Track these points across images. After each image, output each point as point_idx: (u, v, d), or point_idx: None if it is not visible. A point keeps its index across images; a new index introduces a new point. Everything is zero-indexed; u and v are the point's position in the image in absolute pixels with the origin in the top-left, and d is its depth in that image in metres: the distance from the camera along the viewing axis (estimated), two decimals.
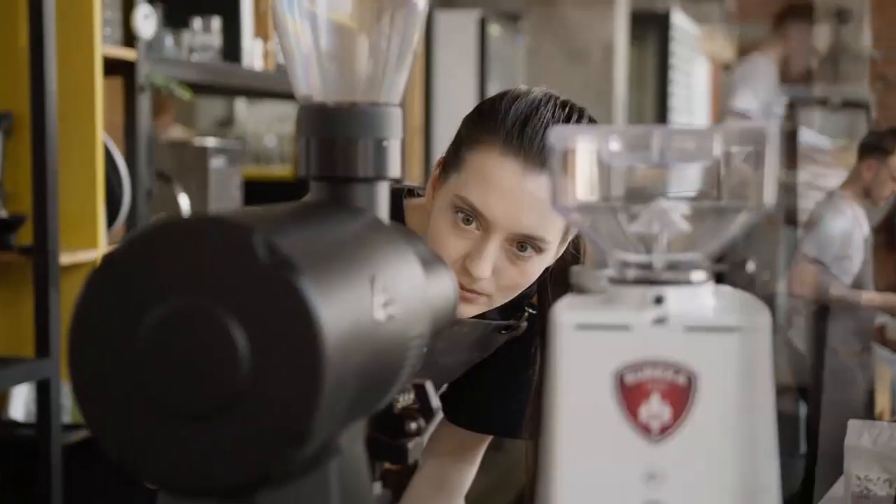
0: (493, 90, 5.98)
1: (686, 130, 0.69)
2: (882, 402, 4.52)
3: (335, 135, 0.80)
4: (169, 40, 2.96)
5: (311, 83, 0.82)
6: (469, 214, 1.24)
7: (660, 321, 0.68)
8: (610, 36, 5.49)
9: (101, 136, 2.50)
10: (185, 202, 2.94)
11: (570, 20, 5.44)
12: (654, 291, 0.69)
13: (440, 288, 0.85)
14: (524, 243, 1.24)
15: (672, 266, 0.71)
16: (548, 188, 1.20)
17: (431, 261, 0.86)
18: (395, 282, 0.72)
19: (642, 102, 7.30)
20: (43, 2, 2.34)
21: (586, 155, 0.71)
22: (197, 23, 3.05)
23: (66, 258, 2.41)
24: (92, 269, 0.63)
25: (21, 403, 2.59)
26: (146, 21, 2.65)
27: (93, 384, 0.63)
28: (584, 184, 0.71)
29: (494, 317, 1.40)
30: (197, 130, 4.87)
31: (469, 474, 1.51)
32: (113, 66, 2.64)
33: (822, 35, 4.52)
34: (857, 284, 4.37)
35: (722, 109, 4.49)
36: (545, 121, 1.23)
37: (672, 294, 0.69)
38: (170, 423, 0.61)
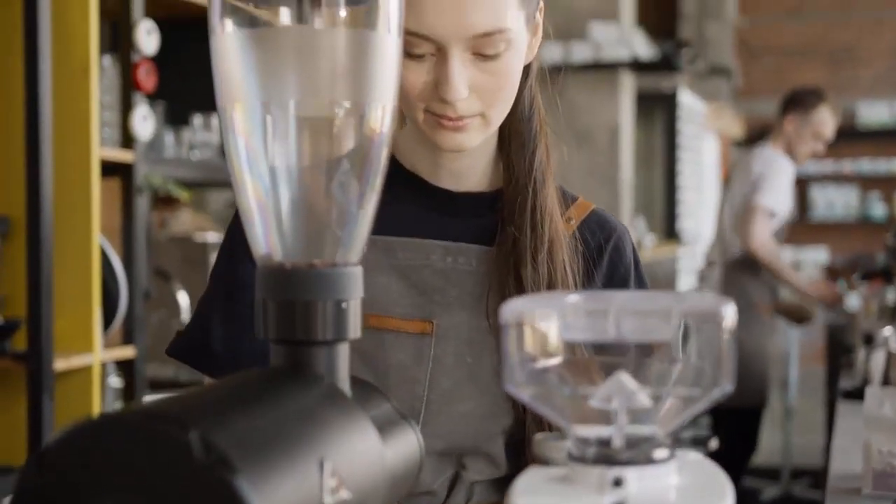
0: None
1: (643, 308, 0.67)
2: None
3: (294, 297, 0.78)
4: (169, 137, 2.97)
5: (269, 243, 0.80)
6: (414, 44, 1.11)
7: None
8: (615, 118, 5.50)
9: (97, 239, 2.50)
10: (184, 300, 2.93)
11: (575, 103, 5.45)
12: (613, 473, 0.66)
13: (400, 450, 0.83)
14: (486, 49, 1.11)
15: (632, 443, 0.68)
16: None
17: (392, 421, 0.84)
18: (347, 460, 0.70)
19: (650, 180, 7.30)
20: (40, 104, 2.35)
21: (540, 330, 0.69)
22: (197, 120, 3.06)
23: (60, 364, 2.39)
24: (24, 466, 0.61)
25: None
26: (144, 122, 2.66)
27: None
28: (538, 359, 0.69)
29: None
30: (208, 215, 4.89)
31: None
32: (111, 167, 2.64)
33: (826, 119, 4.51)
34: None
35: (746, 202, 4.40)
36: None
37: (632, 475, 0.66)
38: None
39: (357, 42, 0.78)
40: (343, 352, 0.79)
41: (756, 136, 9.70)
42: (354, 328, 0.79)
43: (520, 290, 1.17)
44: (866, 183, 9.78)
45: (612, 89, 5.47)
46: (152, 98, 2.82)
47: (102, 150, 2.56)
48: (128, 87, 2.65)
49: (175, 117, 3.03)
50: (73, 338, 2.47)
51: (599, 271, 1.24)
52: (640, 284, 1.27)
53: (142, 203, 2.70)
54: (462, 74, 1.11)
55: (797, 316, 4.74)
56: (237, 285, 1.21)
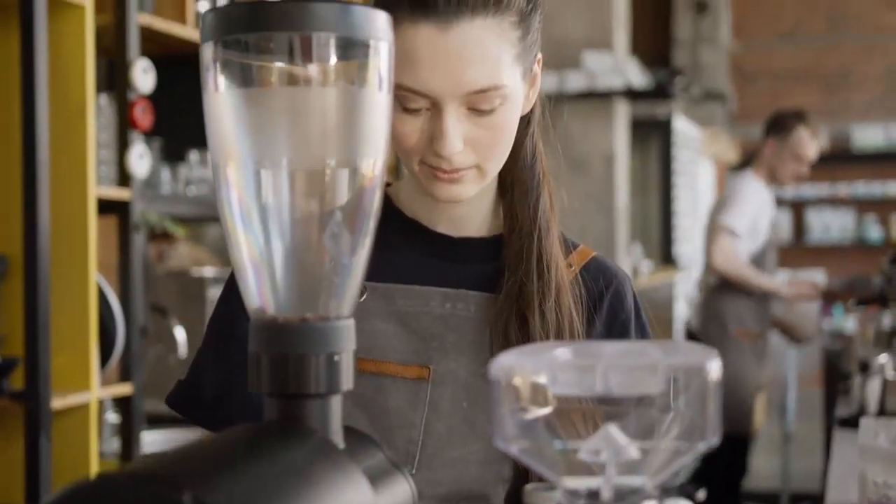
0: None
1: (630, 363, 0.68)
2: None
3: (286, 351, 0.79)
4: (166, 174, 2.99)
5: (262, 297, 0.81)
6: (409, 99, 1.12)
7: None
8: (610, 146, 5.52)
9: (94, 278, 2.51)
10: (181, 335, 2.94)
11: (570, 131, 5.47)
12: None
13: (394, 501, 0.84)
14: (481, 104, 1.12)
15: (621, 495, 0.69)
16: (475, 33, 1.09)
17: (385, 471, 0.85)
18: None
19: (646, 206, 7.33)
20: (37, 144, 2.37)
21: (529, 385, 0.70)
22: (193, 156, 3.08)
23: (58, 402, 2.40)
24: None
25: None
26: (141, 161, 2.67)
27: None
28: (528, 413, 0.70)
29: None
30: (206, 247, 4.89)
31: None
32: (108, 205, 2.66)
33: (804, 140, 4.47)
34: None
35: (711, 223, 4.50)
36: None
37: None
38: None
39: (348, 100, 0.79)
40: (336, 404, 0.80)
41: (750, 159, 9.74)
42: (347, 380, 0.80)
43: (525, 337, 1.18)
44: (862, 206, 9.81)
45: (606, 117, 5.49)
46: (148, 135, 2.83)
47: (99, 188, 2.57)
48: (124, 126, 2.67)
49: (171, 153, 3.04)
50: (70, 376, 2.47)
51: (600, 318, 1.26)
52: (642, 332, 1.27)
53: (138, 240, 2.71)
54: (457, 129, 1.12)
55: (793, 334, 4.73)
56: (232, 337, 1.22)
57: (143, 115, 2.67)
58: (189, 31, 2.90)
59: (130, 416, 2.71)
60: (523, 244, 1.23)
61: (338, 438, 0.80)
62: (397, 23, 1.10)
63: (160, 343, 2.91)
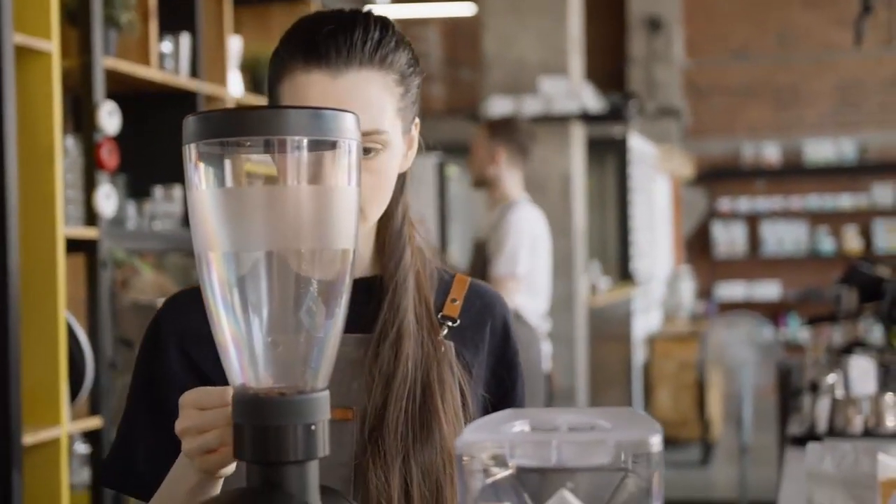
0: (454, 229, 6.13)
1: (581, 439, 0.76)
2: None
3: (267, 423, 0.86)
4: (132, 209, 3.04)
5: (244, 373, 0.89)
6: None
7: None
8: (567, 168, 5.62)
9: (63, 315, 2.56)
10: None
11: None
12: None
13: None
14: (364, 143, 1.16)
15: None
16: (362, 82, 1.17)
17: None
18: None
19: (604, 224, 7.43)
20: (6, 186, 2.41)
21: (489, 458, 0.77)
22: (158, 191, 3.13)
23: (29, 438, 2.44)
24: None
25: None
26: (107, 200, 2.73)
27: None
28: (490, 482, 0.78)
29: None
30: (168, 273, 4.91)
31: None
32: (76, 244, 2.71)
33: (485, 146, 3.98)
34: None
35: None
36: (335, 22, 1.22)
37: None
38: None
39: (319, 195, 0.87)
40: (313, 469, 0.88)
41: (705, 174, 9.97)
42: (323, 446, 0.88)
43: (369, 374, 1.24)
44: (815, 218, 9.99)
45: (563, 140, 5.59)
46: (114, 173, 2.88)
47: (67, 228, 2.62)
48: (91, 167, 2.72)
49: (137, 190, 3.09)
50: (40, 412, 2.52)
51: (486, 343, 1.33)
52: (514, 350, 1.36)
53: (105, 277, 2.76)
54: None
55: None
56: (161, 410, 1.23)
57: (109, 156, 2.72)
58: (152, 72, 2.96)
59: (100, 448, 2.77)
60: (394, 309, 1.27)
61: (315, 501, 0.87)
62: (291, 72, 1.21)
63: (127, 374, 2.96)
